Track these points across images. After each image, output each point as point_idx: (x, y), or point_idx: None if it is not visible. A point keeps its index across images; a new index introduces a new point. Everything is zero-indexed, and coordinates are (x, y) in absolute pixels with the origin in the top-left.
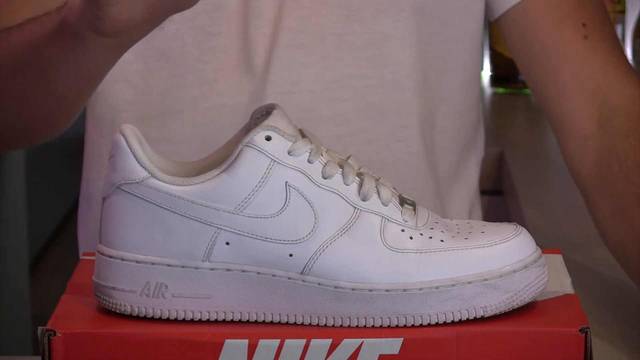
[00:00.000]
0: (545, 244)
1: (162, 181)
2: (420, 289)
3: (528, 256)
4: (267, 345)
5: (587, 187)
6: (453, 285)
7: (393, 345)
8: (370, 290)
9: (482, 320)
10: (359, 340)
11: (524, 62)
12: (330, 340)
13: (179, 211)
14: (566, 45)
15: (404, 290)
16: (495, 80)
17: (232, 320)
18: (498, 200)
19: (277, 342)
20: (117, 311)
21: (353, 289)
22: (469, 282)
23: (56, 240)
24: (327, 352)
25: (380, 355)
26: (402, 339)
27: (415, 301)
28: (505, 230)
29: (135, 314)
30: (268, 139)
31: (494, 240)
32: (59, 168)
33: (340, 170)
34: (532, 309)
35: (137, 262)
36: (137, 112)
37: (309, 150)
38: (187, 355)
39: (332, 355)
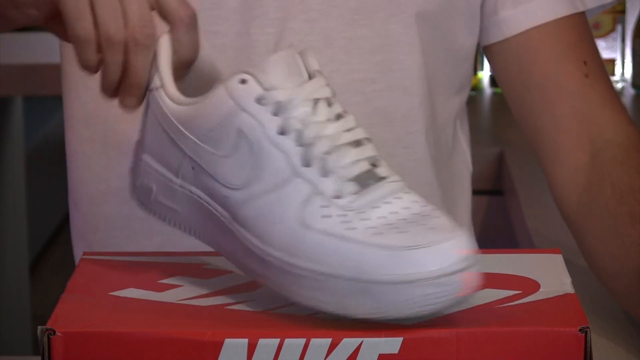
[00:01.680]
0: (545, 244)
1: (166, 95)
2: (304, 269)
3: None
4: (266, 345)
5: (575, 212)
6: (322, 275)
7: (393, 344)
8: (267, 255)
9: (482, 320)
10: (359, 340)
11: (519, 90)
12: (330, 340)
13: (165, 127)
14: (567, 80)
15: (290, 264)
16: (495, 80)
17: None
18: (498, 200)
19: (276, 341)
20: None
21: (261, 249)
22: (340, 278)
23: (56, 240)
24: (327, 352)
25: (380, 354)
26: (401, 338)
27: (299, 283)
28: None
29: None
30: (242, 82)
31: (408, 245)
32: (59, 168)
33: (298, 130)
34: (532, 309)
35: (145, 161)
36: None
37: (279, 103)
38: (187, 355)
39: (332, 354)
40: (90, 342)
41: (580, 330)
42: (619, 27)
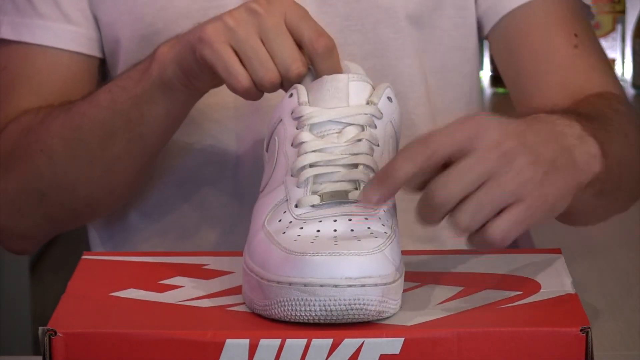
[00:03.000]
0: (546, 244)
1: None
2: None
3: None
4: (268, 345)
5: None
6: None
7: (394, 345)
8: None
9: (483, 320)
10: (360, 340)
11: (512, 75)
12: (331, 340)
13: None
14: (555, 53)
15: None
16: (495, 80)
17: None
18: None
19: (277, 342)
20: None
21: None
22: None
23: (56, 240)
24: (328, 352)
25: (381, 355)
26: (402, 338)
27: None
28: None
29: None
30: (290, 95)
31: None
32: None
33: (301, 143)
34: (533, 309)
35: None
36: None
37: (301, 117)
38: (188, 355)
39: (333, 355)
40: (92, 343)
41: (581, 330)
42: (619, 27)
